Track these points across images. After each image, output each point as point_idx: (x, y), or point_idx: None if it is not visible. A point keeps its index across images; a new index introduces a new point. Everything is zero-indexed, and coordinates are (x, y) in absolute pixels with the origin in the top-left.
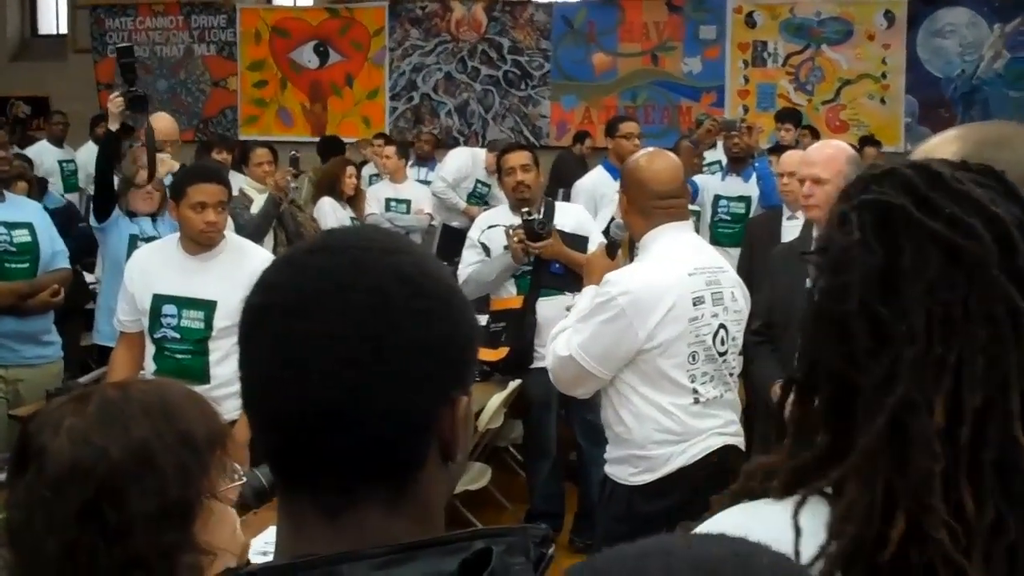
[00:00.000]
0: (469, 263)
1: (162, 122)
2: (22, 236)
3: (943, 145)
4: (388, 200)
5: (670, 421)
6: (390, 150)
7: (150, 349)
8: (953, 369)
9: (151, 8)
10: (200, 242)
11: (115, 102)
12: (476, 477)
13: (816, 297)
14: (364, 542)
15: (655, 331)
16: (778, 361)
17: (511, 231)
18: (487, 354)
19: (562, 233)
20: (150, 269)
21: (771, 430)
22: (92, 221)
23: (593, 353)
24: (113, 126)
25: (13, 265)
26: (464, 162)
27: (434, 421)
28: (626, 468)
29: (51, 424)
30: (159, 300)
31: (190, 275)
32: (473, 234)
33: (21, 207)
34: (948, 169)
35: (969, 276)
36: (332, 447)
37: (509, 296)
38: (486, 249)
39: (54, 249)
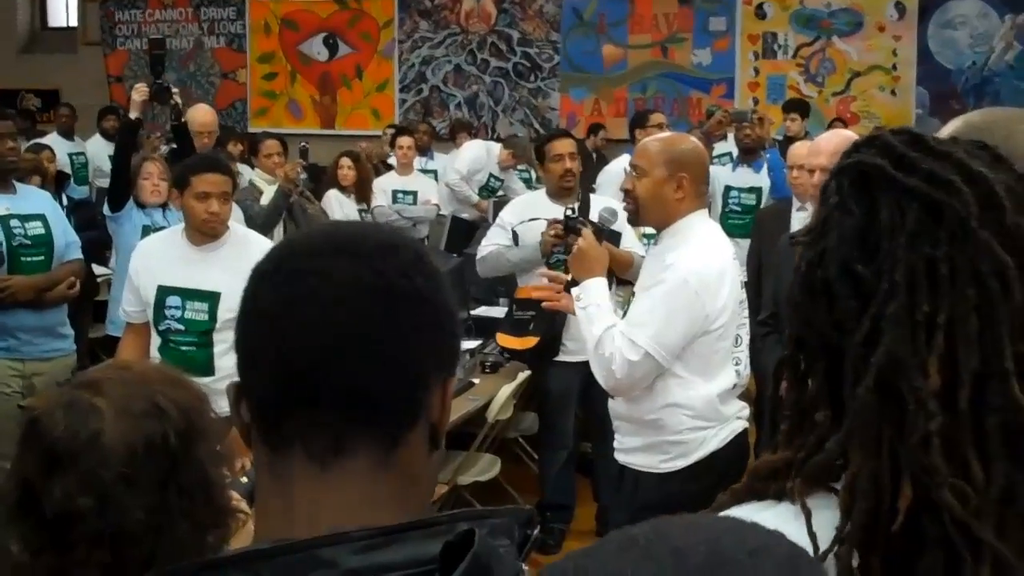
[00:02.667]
0: (493, 242)
1: (201, 113)
2: (36, 228)
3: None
4: (395, 191)
5: (708, 408)
6: (407, 140)
7: (155, 340)
8: (945, 329)
9: (161, 1)
10: (203, 232)
11: (139, 91)
12: (486, 468)
13: (800, 270)
14: (351, 504)
15: (719, 313)
16: None
17: (550, 224)
18: (512, 342)
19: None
20: (154, 260)
21: (770, 423)
22: (106, 210)
23: (667, 344)
24: (134, 114)
25: (29, 258)
26: (478, 155)
27: (426, 390)
28: (655, 456)
29: (81, 412)
30: (163, 292)
31: (194, 266)
32: (507, 217)
33: (33, 199)
34: (930, 136)
35: (951, 233)
36: (328, 388)
37: (539, 284)
38: (515, 236)
39: (67, 240)
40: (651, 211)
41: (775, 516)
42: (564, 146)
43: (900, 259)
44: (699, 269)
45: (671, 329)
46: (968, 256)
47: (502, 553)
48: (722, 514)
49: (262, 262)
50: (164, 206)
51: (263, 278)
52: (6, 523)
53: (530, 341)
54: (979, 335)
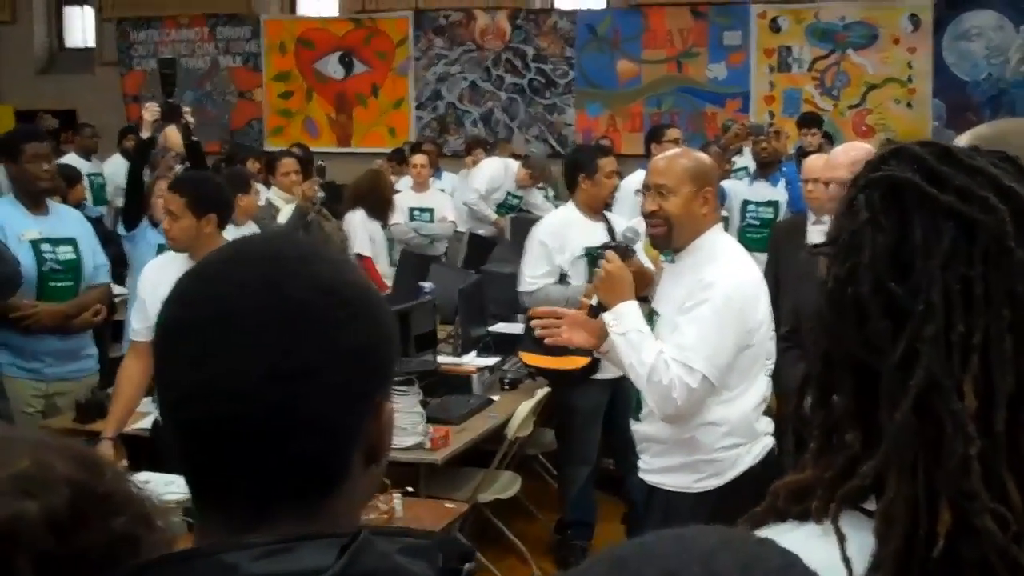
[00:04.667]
0: (539, 274)
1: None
2: (67, 253)
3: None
4: (411, 209)
5: (744, 424)
6: (421, 159)
7: None
8: (980, 350)
9: (177, 21)
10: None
11: (150, 110)
12: (506, 486)
13: (828, 286)
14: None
15: (759, 325)
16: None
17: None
18: (563, 362)
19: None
20: (162, 278)
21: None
22: (120, 229)
23: (720, 364)
24: (145, 134)
25: (57, 283)
26: (497, 172)
27: (359, 430)
28: (688, 476)
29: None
30: None
31: None
32: (547, 240)
33: (65, 221)
34: (958, 149)
35: (986, 252)
36: (252, 465)
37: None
38: (562, 275)
39: (96, 263)
40: (685, 230)
41: (801, 538)
42: (613, 163)
43: (936, 279)
44: (739, 284)
45: (723, 349)
46: (1004, 275)
47: (413, 571)
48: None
49: (172, 322)
50: None
51: (176, 342)
52: None
53: (581, 361)
54: (1015, 356)
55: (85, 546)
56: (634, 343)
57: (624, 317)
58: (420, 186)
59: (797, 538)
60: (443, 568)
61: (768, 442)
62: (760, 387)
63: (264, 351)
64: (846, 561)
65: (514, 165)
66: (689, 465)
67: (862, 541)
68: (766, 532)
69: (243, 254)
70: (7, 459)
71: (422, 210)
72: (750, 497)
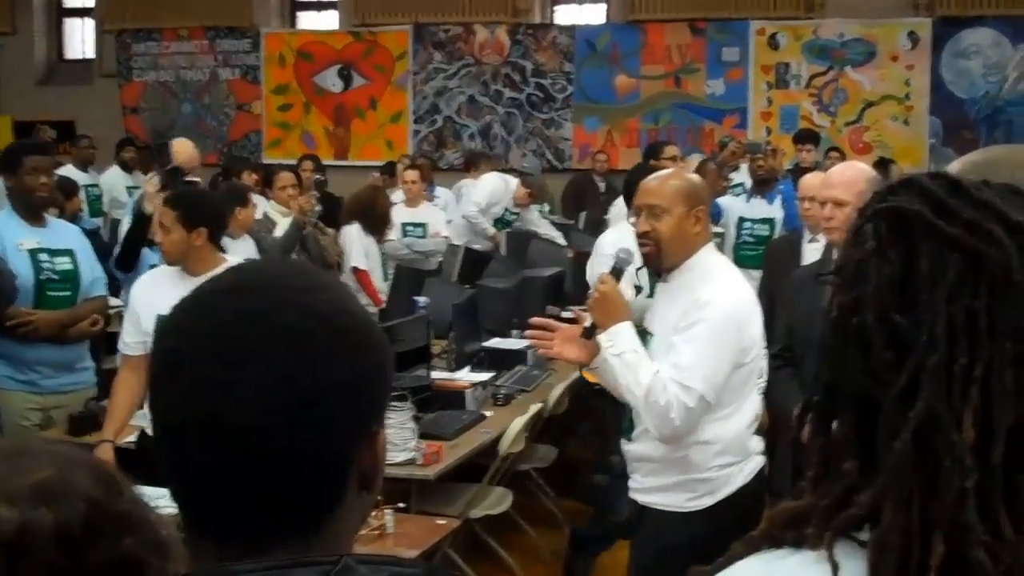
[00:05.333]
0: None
1: (183, 148)
2: (64, 264)
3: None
4: (404, 224)
5: (737, 442)
6: (413, 174)
7: None
8: (981, 382)
9: (176, 33)
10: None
11: (152, 184)
12: (498, 501)
13: (833, 315)
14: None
15: (753, 343)
16: (798, 385)
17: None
18: None
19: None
20: (153, 292)
21: (794, 461)
22: (115, 271)
23: (716, 383)
24: (148, 208)
25: (55, 293)
26: (497, 188)
27: (354, 460)
28: (680, 495)
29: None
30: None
31: None
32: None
33: (63, 233)
34: (967, 181)
35: (991, 284)
36: (246, 495)
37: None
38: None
39: (94, 276)
40: (675, 250)
41: (795, 565)
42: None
43: (940, 311)
44: (735, 302)
45: (719, 368)
46: (1009, 308)
47: None
48: (740, 565)
49: (167, 353)
50: None
51: (171, 373)
52: None
53: None
54: (1016, 390)
55: (91, 563)
56: (630, 364)
57: (619, 337)
58: (412, 201)
59: (790, 565)
60: None
61: (760, 461)
62: (753, 405)
63: (261, 384)
64: None
65: (514, 182)
66: (681, 484)
67: (856, 570)
68: (761, 557)
69: (241, 283)
70: (30, 468)
71: (415, 225)
72: (742, 515)
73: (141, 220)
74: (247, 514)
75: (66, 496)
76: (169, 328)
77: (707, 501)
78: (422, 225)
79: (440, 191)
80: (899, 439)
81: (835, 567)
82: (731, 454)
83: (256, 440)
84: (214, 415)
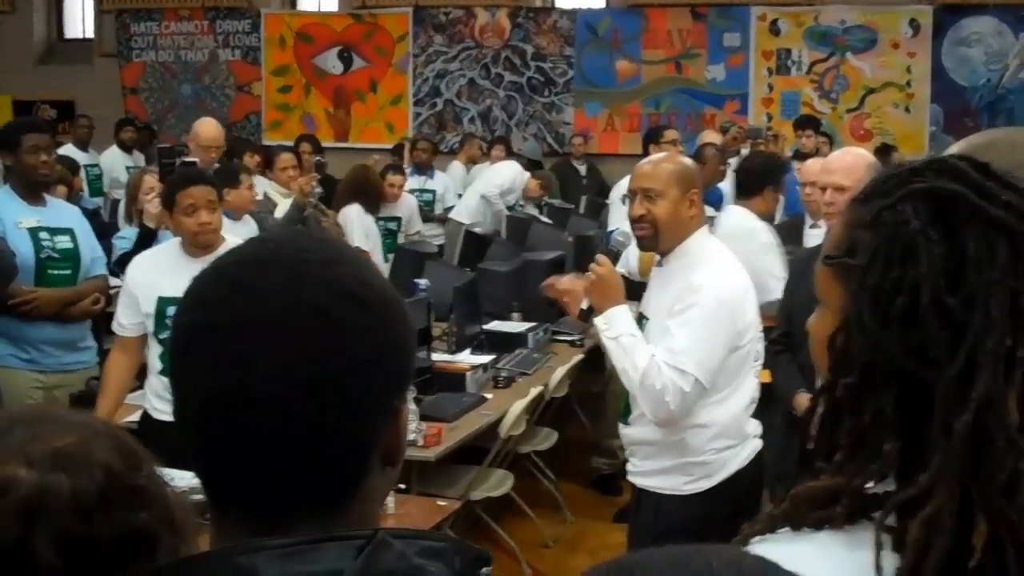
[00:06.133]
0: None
1: (208, 127)
2: (64, 243)
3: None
4: (378, 219)
5: (734, 426)
6: (399, 179)
7: (156, 349)
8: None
9: (176, 13)
10: (197, 244)
11: (153, 203)
12: (499, 483)
13: (868, 295)
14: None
15: (747, 327)
16: (798, 370)
17: None
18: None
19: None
20: (153, 273)
21: (795, 445)
22: (113, 264)
23: (711, 366)
24: (149, 223)
25: (56, 271)
26: (516, 176)
27: (378, 434)
28: (677, 478)
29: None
30: (164, 302)
31: (192, 276)
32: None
33: (63, 212)
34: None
35: None
36: (272, 472)
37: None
38: None
39: (94, 255)
40: (671, 233)
41: (818, 546)
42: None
43: (994, 293)
44: (729, 286)
45: (714, 352)
46: None
47: (431, 572)
48: (763, 546)
49: (189, 327)
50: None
51: (193, 347)
52: None
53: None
54: None
55: (104, 533)
56: (626, 347)
57: (615, 321)
58: (392, 199)
59: (811, 547)
60: (460, 571)
61: (757, 444)
62: (749, 389)
63: (285, 360)
64: (879, 570)
65: (527, 174)
66: (679, 467)
67: (868, 551)
68: (779, 538)
69: (263, 257)
70: (53, 434)
71: (389, 219)
72: (740, 499)
73: (145, 238)
74: (272, 489)
75: (85, 464)
76: (192, 301)
77: (704, 484)
78: (397, 219)
79: (439, 176)
80: (960, 420)
81: (879, 545)
82: (727, 437)
83: (281, 415)
84: (239, 390)
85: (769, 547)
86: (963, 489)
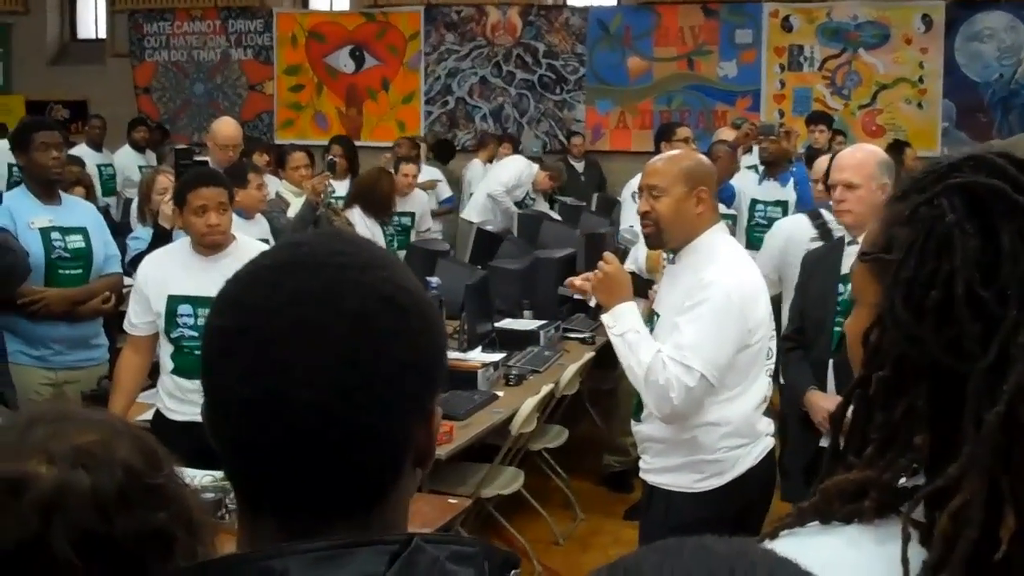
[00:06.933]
0: None
1: (226, 126)
2: (76, 242)
3: None
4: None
5: (745, 424)
6: (412, 168)
7: (167, 348)
8: None
9: (189, 13)
10: (205, 244)
11: (168, 203)
12: (509, 481)
13: (901, 288)
14: None
15: (758, 326)
16: (810, 367)
17: None
18: None
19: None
20: (164, 271)
21: (806, 442)
22: (128, 263)
23: (719, 363)
24: (164, 223)
25: (66, 271)
26: (523, 171)
27: (413, 437)
28: (688, 476)
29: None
30: (174, 301)
31: (204, 275)
32: None
33: (77, 211)
34: None
35: None
36: (307, 477)
37: None
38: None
39: (107, 253)
40: (674, 230)
41: (846, 539)
42: None
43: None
44: (739, 283)
45: (722, 349)
46: None
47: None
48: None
49: (224, 331)
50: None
51: (229, 352)
52: None
53: None
54: None
55: (122, 532)
56: (632, 343)
57: (622, 318)
58: (404, 192)
59: (839, 541)
60: (489, 574)
61: (769, 443)
62: (761, 387)
63: (323, 365)
64: (905, 562)
65: (535, 168)
66: (690, 465)
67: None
68: (807, 531)
69: (298, 260)
70: (74, 431)
71: (402, 214)
72: (751, 497)
73: (160, 237)
74: (308, 492)
75: (106, 462)
76: (226, 305)
77: (716, 482)
78: (410, 214)
79: (426, 169)
80: (992, 412)
81: (907, 538)
82: (739, 436)
83: (319, 420)
84: (276, 395)
85: (796, 540)
86: (992, 481)
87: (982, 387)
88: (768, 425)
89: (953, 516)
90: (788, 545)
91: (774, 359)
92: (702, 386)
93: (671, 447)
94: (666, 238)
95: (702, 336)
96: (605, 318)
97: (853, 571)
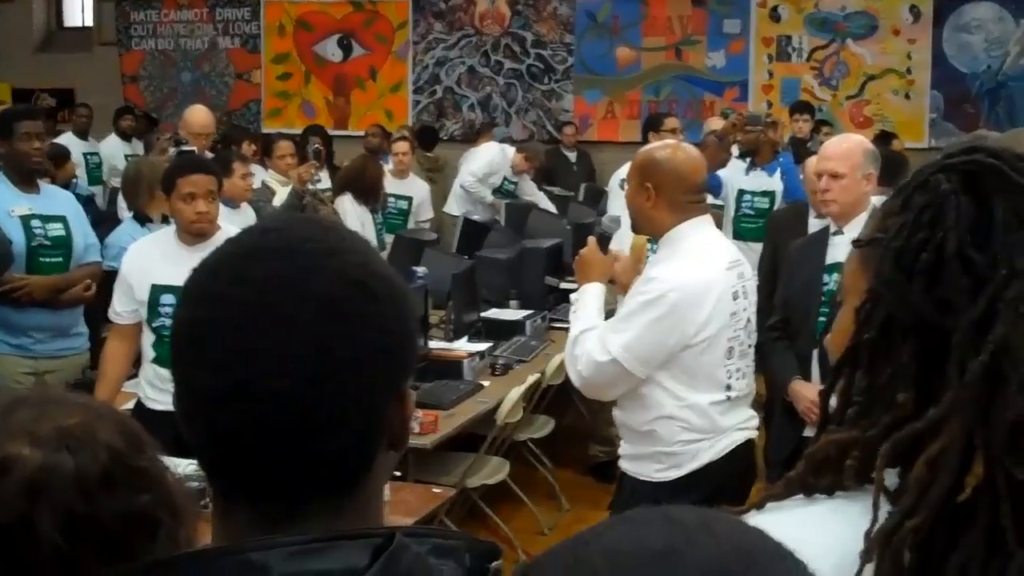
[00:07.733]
0: None
1: (197, 115)
2: (56, 230)
3: None
4: (389, 195)
5: (701, 420)
6: (403, 146)
7: (149, 337)
8: None
9: (176, 1)
10: (192, 232)
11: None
12: (495, 471)
13: (893, 254)
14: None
15: (702, 327)
16: (795, 357)
17: None
18: None
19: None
20: (148, 261)
21: (791, 432)
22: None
23: (639, 353)
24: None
25: (47, 259)
26: (494, 157)
27: (387, 421)
28: (650, 465)
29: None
30: (157, 290)
31: (187, 265)
32: None
33: (56, 199)
34: None
35: None
36: (282, 465)
37: None
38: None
39: (87, 242)
40: (636, 221)
41: (829, 512)
42: None
43: (1018, 248)
44: (681, 283)
45: (644, 340)
46: None
47: (442, 571)
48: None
49: (192, 323)
50: (166, 219)
51: (197, 343)
52: None
53: None
54: None
55: (106, 514)
56: (575, 316)
57: (582, 295)
58: (401, 173)
59: (822, 511)
60: (471, 568)
61: (738, 438)
62: (717, 383)
63: (293, 353)
64: (876, 507)
65: (511, 150)
66: (650, 455)
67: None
68: (791, 504)
69: (265, 246)
70: (58, 413)
71: (399, 197)
72: (714, 489)
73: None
74: (281, 480)
75: (89, 444)
76: (194, 295)
77: (674, 473)
78: (408, 198)
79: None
80: (976, 361)
81: (880, 489)
82: (696, 432)
83: (291, 409)
84: (247, 385)
85: (777, 515)
86: (967, 434)
87: (968, 339)
88: (748, 419)
89: (930, 463)
90: (767, 520)
91: (737, 357)
92: (613, 368)
93: (635, 436)
94: (636, 227)
95: (627, 324)
96: (572, 295)
97: (835, 541)
